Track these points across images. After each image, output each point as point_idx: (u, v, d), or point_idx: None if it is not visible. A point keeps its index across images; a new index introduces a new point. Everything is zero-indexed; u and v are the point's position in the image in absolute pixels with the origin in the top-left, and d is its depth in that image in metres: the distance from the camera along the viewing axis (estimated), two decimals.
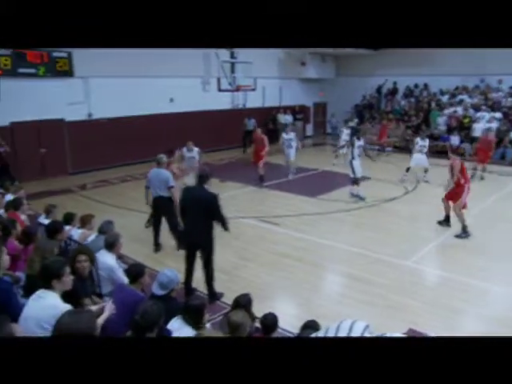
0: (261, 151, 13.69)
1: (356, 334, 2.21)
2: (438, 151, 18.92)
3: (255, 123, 18.78)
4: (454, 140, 18.94)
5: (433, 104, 21.53)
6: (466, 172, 9.35)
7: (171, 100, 18.10)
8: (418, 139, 14.74)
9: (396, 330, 5.05)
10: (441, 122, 20.41)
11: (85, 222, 6.49)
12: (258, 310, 4.74)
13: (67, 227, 6.15)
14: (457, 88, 21.78)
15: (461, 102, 20.80)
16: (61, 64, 14.70)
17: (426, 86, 22.76)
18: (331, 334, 2.28)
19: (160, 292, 4.36)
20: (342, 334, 2.24)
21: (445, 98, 21.75)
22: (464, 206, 9.22)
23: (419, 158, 14.18)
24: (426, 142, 14.45)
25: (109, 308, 3.93)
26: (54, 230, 5.59)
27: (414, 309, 6.36)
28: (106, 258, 5.24)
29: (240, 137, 19.94)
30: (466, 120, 19.74)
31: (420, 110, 21.60)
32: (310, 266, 7.83)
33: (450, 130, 19.64)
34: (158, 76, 16.86)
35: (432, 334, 5.51)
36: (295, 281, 7.30)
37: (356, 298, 6.70)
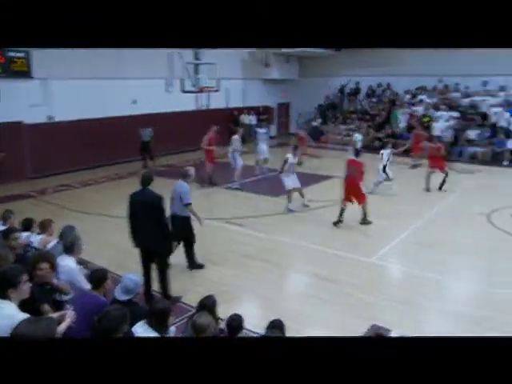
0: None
1: None
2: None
3: (152, 133, 16.99)
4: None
5: (396, 103, 22.02)
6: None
7: (134, 102, 17.86)
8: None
9: (359, 327, 5.15)
10: (402, 120, 20.86)
11: (44, 226, 6.32)
12: (223, 311, 4.73)
13: (26, 234, 5.97)
14: (418, 88, 22.33)
15: (421, 101, 21.33)
16: (18, 64, 14.29)
17: (388, 85, 23.23)
18: None
19: (124, 297, 4.29)
20: None
21: (406, 98, 22.25)
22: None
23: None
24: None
25: (70, 315, 3.83)
26: (5, 234, 5.42)
27: (377, 305, 6.46)
28: (67, 262, 5.10)
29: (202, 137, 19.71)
30: (426, 119, 20.21)
31: (382, 110, 22.02)
32: (275, 266, 7.86)
33: (411, 129, 20.07)
34: (120, 77, 16.64)
35: (395, 329, 5.62)
36: (260, 281, 7.32)
37: (320, 296, 6.76)
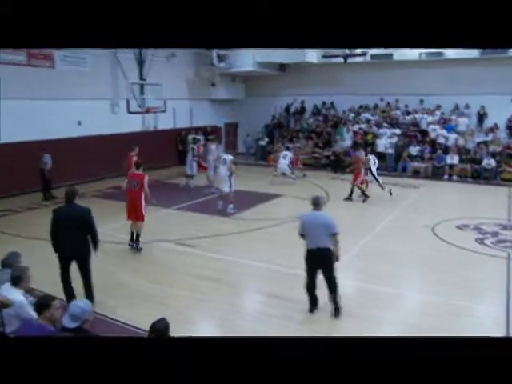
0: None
1: None
2: (346, 166, 19.82)
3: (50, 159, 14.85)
4: (361, 155, 19.89)
5: (341, 121, 22.60)
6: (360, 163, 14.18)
7: (79, 123, 17.42)
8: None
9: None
10: (347, 138, 21.40)
11: None
12: (177, 333, 4.64)
13: None
14: (361, 106, 23.07)
15: (367, 120, 22.05)
16: None
17: (332, 104, 23.82)
18: None
19: (71, 324, 4.12)
20: None
21: (350, 116, 22.93)
22: (362, 182, 14.10)
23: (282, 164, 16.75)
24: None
25: None
26: None
27: (332, 320, 6.53)
28: (13, 294, 4.86)
29: (151, 159, 19.29)
30: (370, 136, 20.90)
31: (327, 128, 22.56)
32: (228, 287, 7.81)
33: (356, 146, 20.61)
34: (64, 98, 16.18)
35: None
36: (213, 302, 7.24)
37: (272, 313, 6.78)
